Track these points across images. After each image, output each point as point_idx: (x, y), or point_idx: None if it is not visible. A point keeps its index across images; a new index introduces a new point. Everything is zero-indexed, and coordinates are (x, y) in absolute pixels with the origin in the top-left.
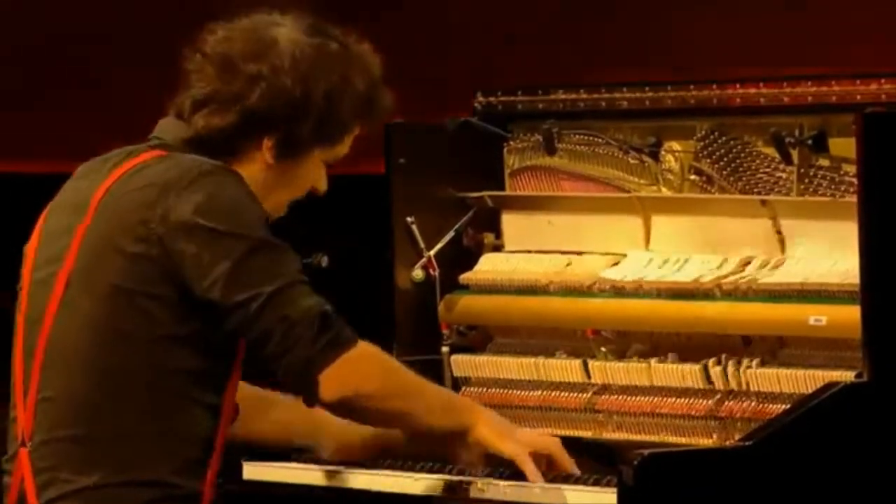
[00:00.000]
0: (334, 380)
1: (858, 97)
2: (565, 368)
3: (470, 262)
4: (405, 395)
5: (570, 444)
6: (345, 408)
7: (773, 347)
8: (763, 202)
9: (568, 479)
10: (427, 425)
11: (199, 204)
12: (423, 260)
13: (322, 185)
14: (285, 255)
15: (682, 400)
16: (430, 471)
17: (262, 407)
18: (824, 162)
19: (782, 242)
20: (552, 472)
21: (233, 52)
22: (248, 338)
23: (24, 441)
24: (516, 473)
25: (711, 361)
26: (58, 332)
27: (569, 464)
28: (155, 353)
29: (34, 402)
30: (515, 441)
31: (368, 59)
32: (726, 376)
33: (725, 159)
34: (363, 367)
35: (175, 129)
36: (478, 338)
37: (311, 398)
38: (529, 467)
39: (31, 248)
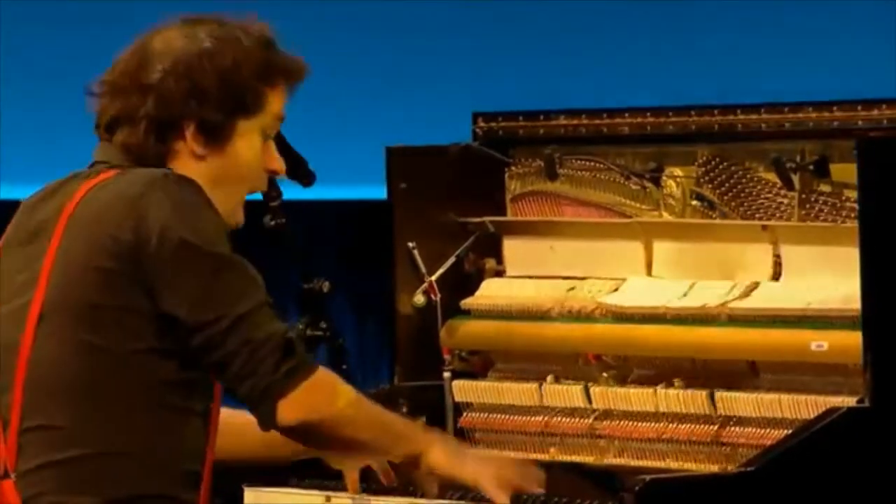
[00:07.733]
0: (292, 406)
1: (859, 122)
2: (567, 394)
3: (471, 287)
4: (359, 423)
5: (571, 469)
6: (300, 434)
7: (775, 373)
8: (764, 227)
9: None
10: (381, 452)
11: (166, 215)
12: (425, 285)
13: (277, 165)
14: (249, 275)
15: (684, 425)
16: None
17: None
18: (825, 187)
19: (783, 268)
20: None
21: (122, 73)
22: (211, 359)
23: (8, 472)
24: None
25: (714, 387)
26: (38, 359)
27: (533, 483)
28: (140, 367)
29: (16, 432)
30: (474, 464)
31: (251, 24)
32: (728, 402)
33: (727, 185)
34: (320, 394)
35: (114, 152)
36: (479, 363)
37: (268, 423)
38: (493, 489)
39: None
